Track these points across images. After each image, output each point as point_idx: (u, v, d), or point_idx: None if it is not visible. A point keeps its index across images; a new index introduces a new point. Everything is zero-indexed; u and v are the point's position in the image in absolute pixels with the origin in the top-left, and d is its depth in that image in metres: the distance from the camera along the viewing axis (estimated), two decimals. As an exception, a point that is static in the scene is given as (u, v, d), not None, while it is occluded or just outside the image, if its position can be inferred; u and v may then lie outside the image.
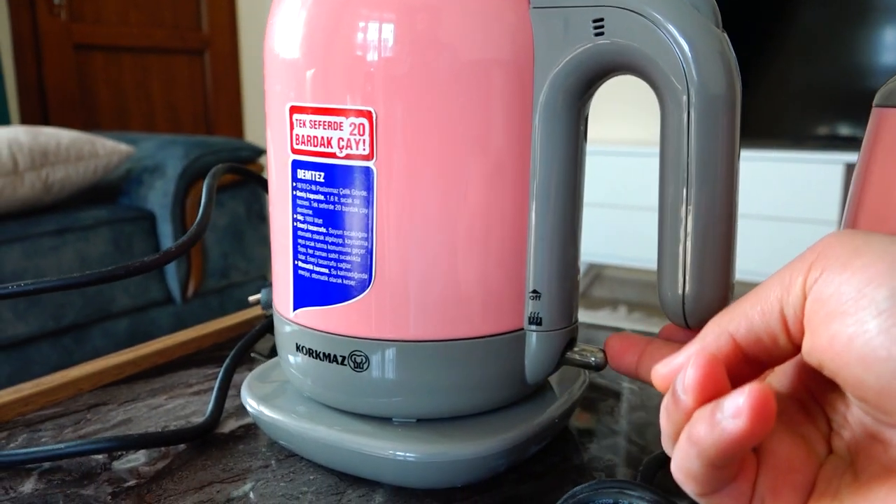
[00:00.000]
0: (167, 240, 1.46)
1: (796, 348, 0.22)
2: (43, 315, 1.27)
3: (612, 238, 2.15)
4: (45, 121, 2.36)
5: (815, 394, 0.24)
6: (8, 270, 1.22)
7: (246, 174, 0.52)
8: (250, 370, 0.46)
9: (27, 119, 2.32)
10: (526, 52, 0.32)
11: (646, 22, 0.29)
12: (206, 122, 2.88)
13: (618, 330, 0.58)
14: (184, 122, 2.80)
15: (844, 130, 2.07)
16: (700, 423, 0.20)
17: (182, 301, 1.50)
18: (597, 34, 0.30)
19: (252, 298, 0.59)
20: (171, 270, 1.47)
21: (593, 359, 0.34)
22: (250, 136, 3.07)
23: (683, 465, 0.21)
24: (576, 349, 0.35)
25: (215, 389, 0.42)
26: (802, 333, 0.21)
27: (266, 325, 0.50)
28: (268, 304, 0.55)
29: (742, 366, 0.22)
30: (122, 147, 1.44)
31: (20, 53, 2.30)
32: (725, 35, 0.30)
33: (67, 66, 2.41)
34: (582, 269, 2.39)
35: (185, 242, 0.42)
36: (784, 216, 2.02)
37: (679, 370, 0.22)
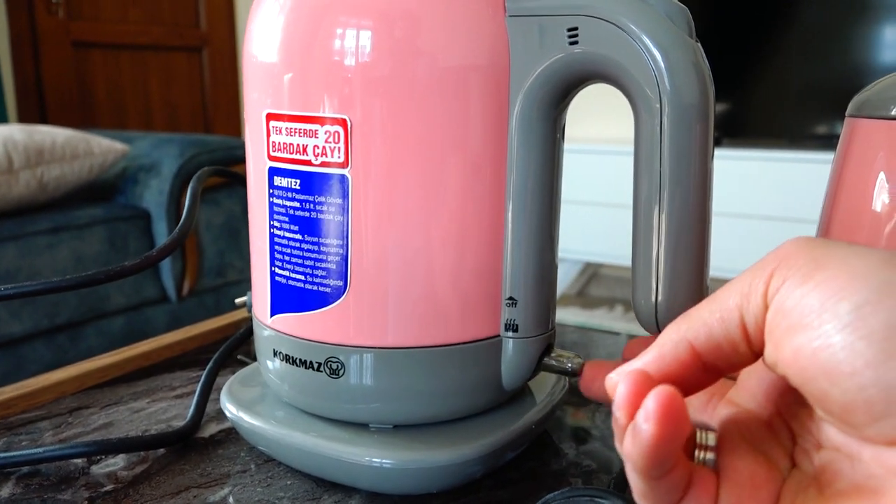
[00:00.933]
0: (162, 238, 1.46)
1: (756, 355, 0.22)
2: (37, 314, 1.27)
3: (609, 237, 2.15)
4: (43, 119, 2.36)
5: (779, 408, 0.24)
6: (2, 269, 1.22)
7: (231, 177, 0.52)
8: (234, 373, 0.46)
9: (25, 117, 2.32)
10: (502, 59, 0.32)
11: (619, 31, 0.29)
12: (204, 119, 2.88)
13: (612, 333, 0.58)
14: (182, 120, 2.80)
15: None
16: (626, 437, 0.20)
17: (177, 299, 1.51)
18: (571, 43, 0.30)
19: (238, 301, 0.59)
20: (167, 269, 1.47)
21: (570, 364, 0.34)
22: (249, 133, 3.06)
23: (632, 485, 0.21)
24: (553, 354, 0.35)
25: (196, 394, 0.42)
26: (763, 341, 0.21)
27: (250, 329, 0.50)
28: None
29: (700, 373, 0.22)
30: (118, 146, 1.44)
31: (18, 51, 2.30)
32: (699, 45, 0.30)
33: (65, 64, 2.41)
34: (578, 268, 2.39)
35: (166, 246, 0.42)
36: (782, 216, 2.02)
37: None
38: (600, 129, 2.41)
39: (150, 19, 2.65)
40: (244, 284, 1.65)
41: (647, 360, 0.23)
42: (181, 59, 2.78)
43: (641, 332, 0.52)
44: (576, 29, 0.30)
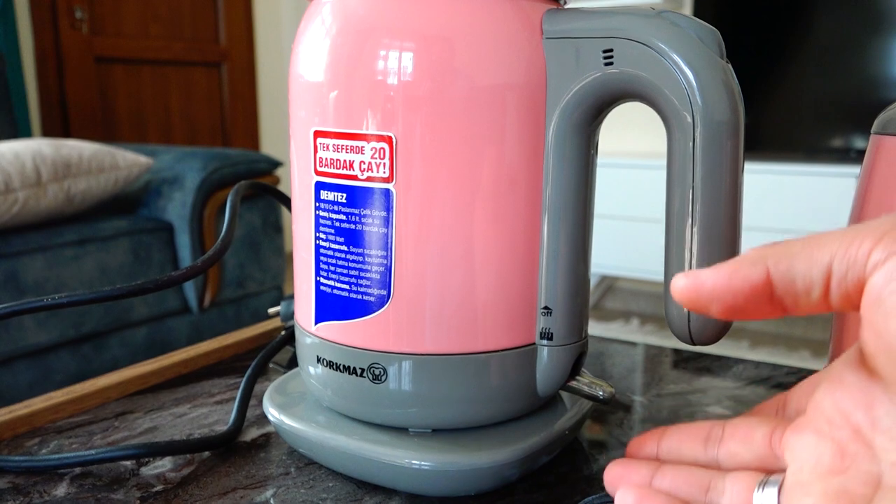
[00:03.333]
0: (185, 251, 1.48)
1: (825, 306, 0.21)
2: (63, 324, 1.30)
3: (625, 250, 2.15)
4: (65, 132, 2.41)
5: (860, 425, 0.22)
6: (31, 280, 1.25)
7: (267, 191, 0.54)
8: (269, 381, 0.48)
9: (48, 130, 2.36)
10: (539, 78, 0.33)
11: (653, 53, 0.31)
12: (222, 133, 2.92)
13: (629, 343, 0.59)
14: (201, 134, 2.84)
15: (859, 143, 2.07)
16: None
17: (199, 311, 1.53)
18: (606, 63, 0.32)
19: (272, 310, 0.60)
20: (188, 282, 1.50)
21: (601, 393, 0.36)
22: (266, 147, 3.10)
23: None
24: (584, 379, 0.36)
25: (237, 400, 0.43)
26: (844, 297, 0.21)
27: (285, 338, 0.52)
28: (287, 316, 0.56)
29: (763, 302, 0.22)
30: (142, 159, 1.46)
31: (42, 66, 2.34)
32: (729, 65, 0.31)
33: (88, 79, 2.46)
34: (594, 280, 2.40)
35: (210, 258, 0.43)
36: (799, 229, 2.02)
37: (703, 284, 0.23)
38: (616, 144, 2.42)
39: (171, 35, 2.70)
40: (264, 296, 1.67)
41: (721, 270, 0.22)
42: (201, 74, 2.82)
43: (658, 343, 0.53)
44: (611, 50, 0.32)
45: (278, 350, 0.50)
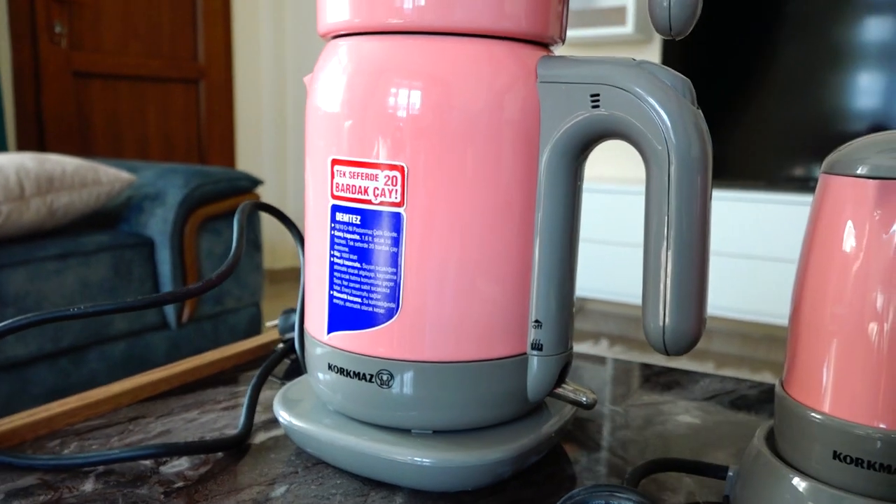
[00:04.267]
0: (165, 266, 1.50)
1: None
2: (42, 337, 1.31)
3: (596, 272, 2.21)
4: (41, 146, 2.40)
5: None
6: (11, 293, 1.26)
7: (269, 211, 0.57)
8: (268, 390, 0.51)
9: (24, 144, 2.36)
10: (533, 117, 0.38)
11: (634, 98, 0.35)
12: (199, 149, 2.93)
13: (598, 357, 0.64)
14: (177, 150, 2.85)
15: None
16: None
17: (177, 326, 1.54)
18: (594, 106, 0.36)
19: (269, 324, 0.64)
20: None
21: (584, 399, 0.40)
22: (242, 164, 3.12)
23: None
24: (569, 387, 0.41)
25: (245, 405, 0.47)
26: None
27: (286, 349, 0.55)
28: (285, 329, 0.60)
29: None
30: (125, 175, 1.48)
31: (20, 80, 2.34)
32: (699, 111, 0.36)
33: (66, 93, 2.46)
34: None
35: (224, 272, 0.47)
36: (760, 255, 2.10)
37: None
38: (592, 170, 2.49)
39: (150, 52, 2.71)
40: (242, 312, 1.68)
41: None
42: (178, 90, 2.84)
43: (624, 358, 0.57)
44: (598, 95, 0.36)
45: (280, 361, 0.54)
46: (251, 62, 3.13)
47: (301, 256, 0.56)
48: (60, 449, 0.43)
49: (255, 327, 1.72)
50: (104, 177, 1.44)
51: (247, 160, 3.15)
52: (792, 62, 2.21)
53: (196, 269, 1.54)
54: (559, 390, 0.41)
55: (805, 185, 2.17)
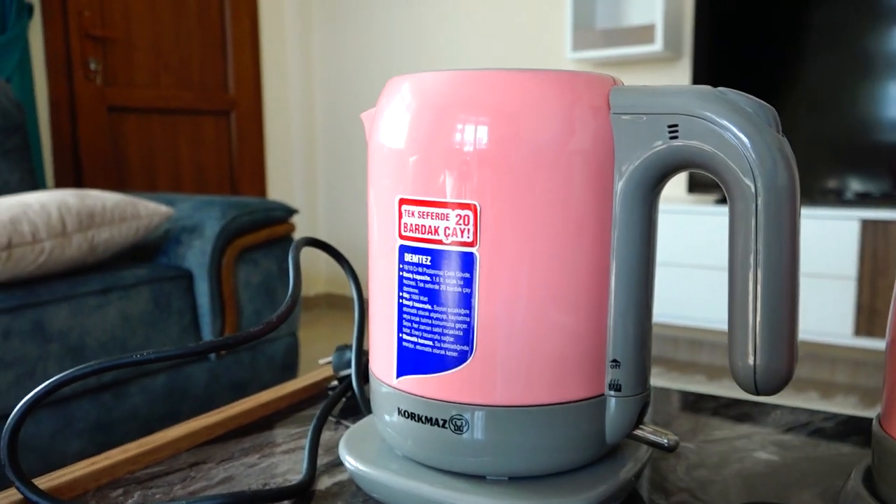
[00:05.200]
0: (203, 298, 1.50)
1: None
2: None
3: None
4: (77, 180, 2.44)
5: None
6: (55, 329, 1.27)
7: (321, 247, 0.56)
8: (325, 429, 0.50)
9: (61, 178, 2.40)
10: (606, 149, 0.36)
11: (716, 128, 0.34)
12: (230, 180, 2.96)
13: (662, 391, 0.61)
14: (209, 181, 2.88)
15: (855, 185, 2.12)
16: None
17: (216, 358, 1.54)
18: (671, 137, 0.35)
19: (322, 361, 0.63)
20: (207, 328, 1.51)
21: (666, 441, 0.38)
22: (273, 193, 3.15)
23: None
24: (648, 428, 0.39)
25: (307, 449, 0.45)
26: None
27: (344, 389, 0.54)
28: (340, 367, 0.59)
29: None
30: (163, 208, 1.49)
31: (56, 115, 2.39)
32: (784, 138, 0.34)
33: (101, 128, 2.51)
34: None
35: (283, 312, 0.46)
36: (802, 272, 2.05)
37: None
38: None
39: (181, 84, 2.76)
40: (279, 342, 1.68)
41: None
42: (209, 122, 2.87)
43: (665, 385, 0.55)
44: (676, 126, 0.35)
45: (338, 402, 0.52)
46: (280, 92, 3.16)
47: (354, 292, 0.55)
48: (124, 499, 0.42)
49: (292, 357, 1.71)
50: (143, 210, 1.45)
51: (278, 189, 3.18)
52: (822, 73, 2.17)
53: (234, 301, 1.55)
54: (638, 432, 0.39)
55: (839, 198, 2.12)
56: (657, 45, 2.29)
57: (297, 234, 3.13)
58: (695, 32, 2.30)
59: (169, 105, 2.72)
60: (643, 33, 2.33)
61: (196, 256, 1.51)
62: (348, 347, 0.59)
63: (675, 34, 2.40)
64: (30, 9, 2.24)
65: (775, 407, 0.56)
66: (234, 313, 1.55)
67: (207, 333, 1.52)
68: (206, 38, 2.84)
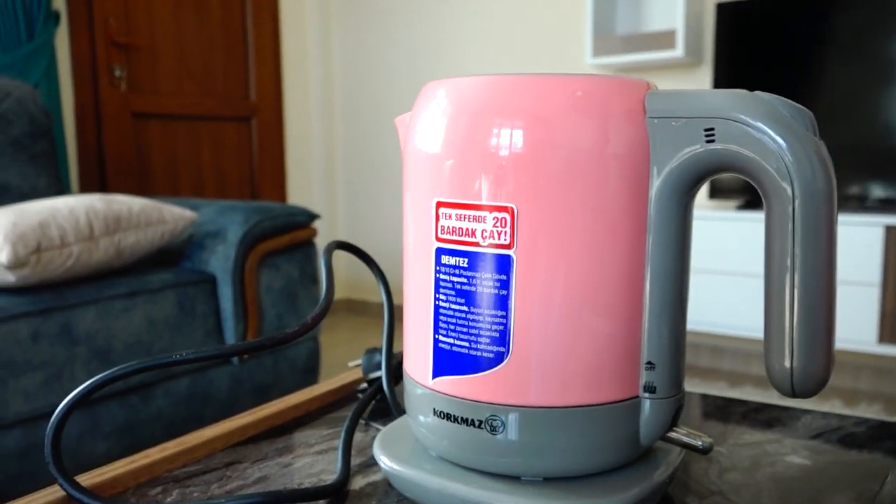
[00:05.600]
0: (227, 302, 1.52)
1: None
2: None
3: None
4: (102, 185, 2.48)
5: None
6: (82, 331, 1.29)
7: (351, 250, 0.57)
8: (357, 430, 0.51)
9: (85, 182, 2.43)
10: (642, 152, 0.37)
11: (753, 132, 0.34)
12: (251, 185, 2.99)
13: (688, 393, 0.61)
14: (230, 186, 2.91)
15: (878, 191, 2.10)
16: None
17: (239, 361, 1.55)
18: (708, 140, 0.35)
19: (352, 363, 0.63)
20: (230, 332, 1.53)
21: (700, 443, 0.38)
22: (293, 198, 3.17)
23: None
24: (682, 430, 0.39)
25: (340, 450, 0.46)
26: None
27: (375, 391, 0.54)
28: (369, 369, 0.59)
29: None
30: (188, 213, 1.51)
31: (82, 122, 2.43)
32: (822, 141, 0.34)
33: (125, 134, 2.54)
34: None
35: (318, 314, 0.47)
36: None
37: None
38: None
39: (204, 91, 2.79)
40: (300, 346, 1.69)
41: None
42: (231, 128, 2.90)
43: (690, 390, 0.55)
44: (712, 129, 0.35)
45: (369, 403, 0.53)
46: (301, 99, 3.19)
47: (384, 295, 0.56)
48: (163, 497, 0.43)
49: (313, 360, 1.72)
50: (168, 215, 1.47)
51: (297, 194, 3.20)
52: (843, 79, 2.15)
53: (256, 305, 1.56)
54: (672, 434, 0.39)
55: (862, 204, 2.10)
56: (678, 51, 2.29)
57: (317, 240, 3.15)
58: (716, 38, 2.29)
59: (192, 111, 2.75)
60: (664, 39, 2.32)
61: (220, 261, 1.52)
62: (377, 350, 0.59)
63: (695, 39, 2.39)
64: (57, 16, 2.28)
65: (805, 412, 0.56)
66: (256, 317, 1.56)
67: (230, 337, 1.53)
68: (228, 46, 2.87)
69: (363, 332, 2.97)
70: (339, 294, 3.32)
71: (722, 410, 0.57)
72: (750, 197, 2.33)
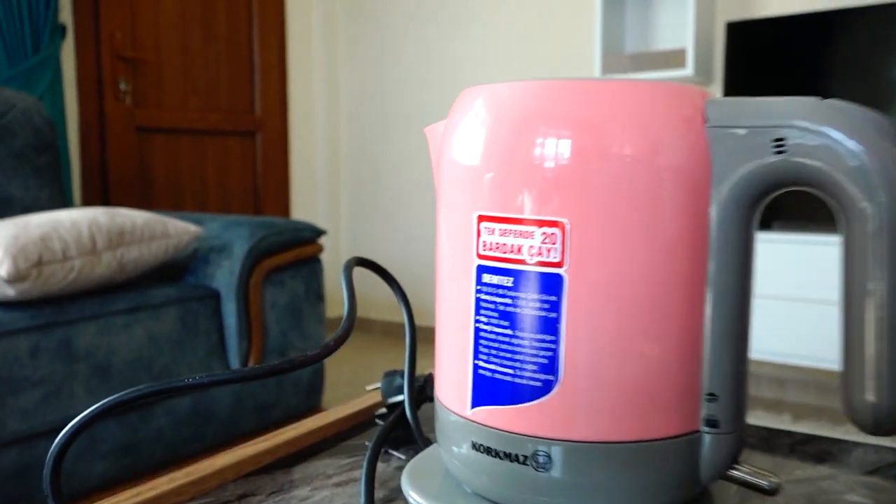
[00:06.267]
0: (231, 318, 1.48)
1: None
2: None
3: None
4: (105, 198, 2.45)
5: None
6: (82, 347, 1.25)
7: (371, 267, 0.54)
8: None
9: (88, 196, 2.41)
10: (702, 165, 0.33)
11: (829, 142, 0.31)
12: (254, 200, 2.96)
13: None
14: (234, 201, 2.88)
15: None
16: None
17: (242, 379, 1.51)
18: (777, 152, 0.32)
19: (370, 387, 0.60)
20: (233, 349, 1.49)
21: (766, 483, 0.35)
22: (296, 214, 3.14)
23: None
24: (746, 469, 0.35)
25: (363, 482, 0.42)
26: None
27: (398, 417, 0.51)
28: (389, 393, 0.56)
29: None
30: (192, 228, 1.48)
31: (86, 135, 2.41)
32: (906, 152, 0.31)
33: (129, 148, 2.52)
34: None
35: (340, 336, 0.43)
36: (835, 299, 2.00)
37: None
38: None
39: (209, 106, 2.77)
40: (305, 364, 1.65)
41: None
42: (235, 143, 2.88)
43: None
44: (782, 140, 0.32)
45: (391, 430, 0.49)
46: (306, 114, 3.17)
47: (405, 315, 0.52)
48: (171, 534, 0.39)
49: (317, 380, 1.69)
50: (172, 230, 1.44)
51: (301, 210, 3.17)
52: (852, 99, 2.13)
53: (260, 322, 1.52)
54: (734, 472, 0.36)
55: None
56: (688, 70, 2.27)
57: (322, 256, 3.12)
58: (726, 56, 2.27)
59: (196, 126, 2.73)
60: (674, 58, 2.30)
61: (224, 276, 1.49)
62: (397, 373, 0.56)
63: (705, 58, 2.37)
64: (63, 30, 2.27)
65: (856, 445, 0.53)
66: (260, 334, 1.53)
67: (234, 354, 1.50)
68: (233, 61, 2.85)
69: (367, 351, 2.93)
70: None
71: (767, 443, 0.54)
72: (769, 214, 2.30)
